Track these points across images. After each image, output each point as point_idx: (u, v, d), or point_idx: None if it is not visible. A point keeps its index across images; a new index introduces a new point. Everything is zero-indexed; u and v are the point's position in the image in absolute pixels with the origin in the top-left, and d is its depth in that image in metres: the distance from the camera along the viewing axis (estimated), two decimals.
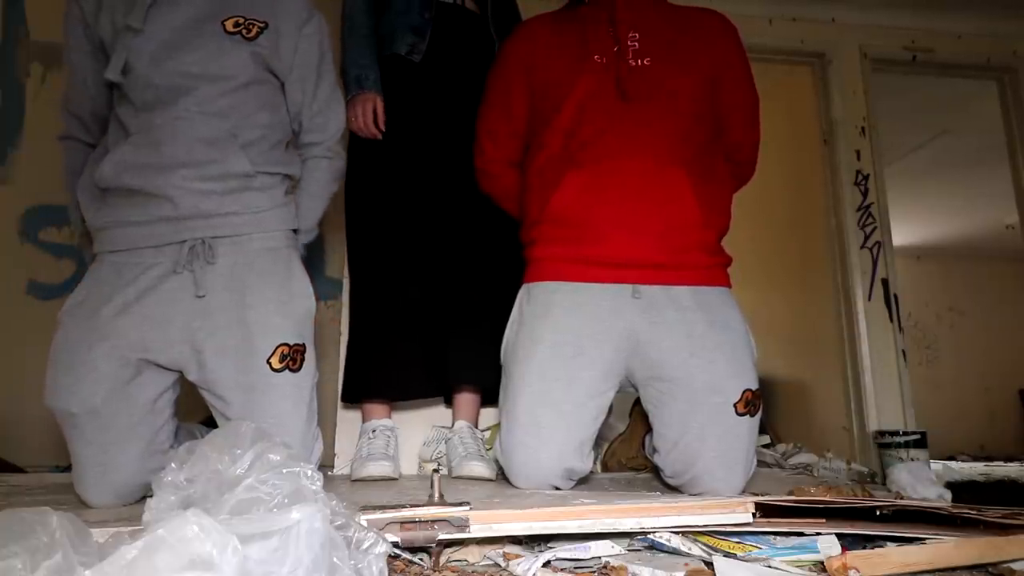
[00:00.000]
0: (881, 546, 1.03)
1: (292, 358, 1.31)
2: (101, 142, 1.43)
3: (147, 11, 1.33)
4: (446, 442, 1.77)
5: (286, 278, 1.36)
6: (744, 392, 1.38)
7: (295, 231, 1.45)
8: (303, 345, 1.34)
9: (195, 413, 1.55)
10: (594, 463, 1.63)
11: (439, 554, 1.00)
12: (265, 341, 1.29)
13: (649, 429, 1.71)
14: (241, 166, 1.33)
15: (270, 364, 1.28)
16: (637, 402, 1.85)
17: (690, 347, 1.40)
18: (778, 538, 1.06)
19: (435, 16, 1.81)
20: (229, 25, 1.37)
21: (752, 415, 1.39)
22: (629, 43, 1.52)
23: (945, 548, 0.97)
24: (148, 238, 1.30)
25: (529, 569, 0.92)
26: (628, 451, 1.82)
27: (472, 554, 1.03)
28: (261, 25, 1.39)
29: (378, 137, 1.75)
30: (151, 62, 1.31)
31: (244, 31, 1.37)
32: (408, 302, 1.75)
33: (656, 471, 1.54)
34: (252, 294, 1.30)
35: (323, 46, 1.50)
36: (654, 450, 1.48)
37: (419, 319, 1.76)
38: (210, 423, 1.52)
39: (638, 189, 1.44)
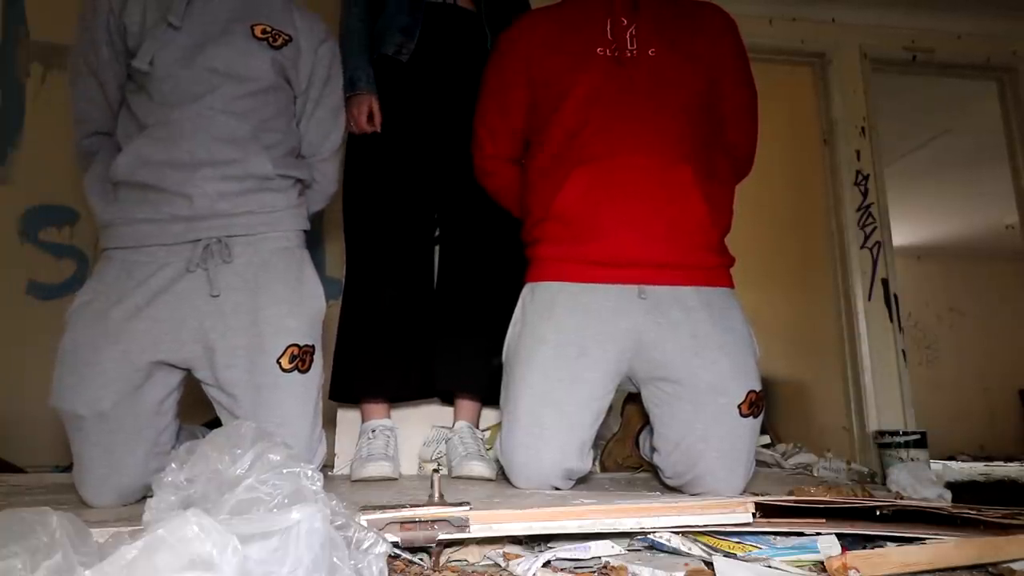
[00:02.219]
0: (881, 546, 1.03)
1: (302, 359, 1.31)
2: (112, 141, 1.42)
3: (185, 8, 1.34)
4: (446, 442, 1.77)
5: (298, 279, 1.37)
6: (749, 393, 1.38)
7: (306, 232, 1.46)
8: (312, 346, 1.34)
9: (196, 414, 1.54)
10: (593, 463, 1.63)
11: (439, 554, 1.00)
12: (276, 341, 1.29)
13: (642, 426, 1.71)
14: (263, 167, 1.34)
15: (280, 364, 1.29)
16: (628, 400, 1.85)
17: (694, 347, 1.40)
18: (778, 538, 1.06)
19: (426, 16, 1.81)
20: (257, 31, 1.40)
21: (756, 416, 1.39)
22: (632, 36, 1.52)
23: (945, 548, 0.97)
24: (160, 236, 1.29)
25: (529, 569, 0.92)
26: (623, 450, 1.82)
27: (472, 554, 1.03)
28: (286, 37, 1.44)
29: (377, 131, 1.75)
30: (180, 57, 1.32)
31: (271, 39, 1.41)
32: (405, 302, 1.75)
33: (653, 470, 1.54)
34: (265, 294, 1.31)
35: (331, 68, 1.55)
36: (653, 450, 1.48)
37: (416, 319, 1.76)
38: (213, 426, 1.53)
39: (644, 187, 1.43)
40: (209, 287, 1.28)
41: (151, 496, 0.81)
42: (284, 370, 1.29)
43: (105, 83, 1.39)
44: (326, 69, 1.53)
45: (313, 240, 1.56)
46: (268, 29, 1.41)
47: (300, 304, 1.34)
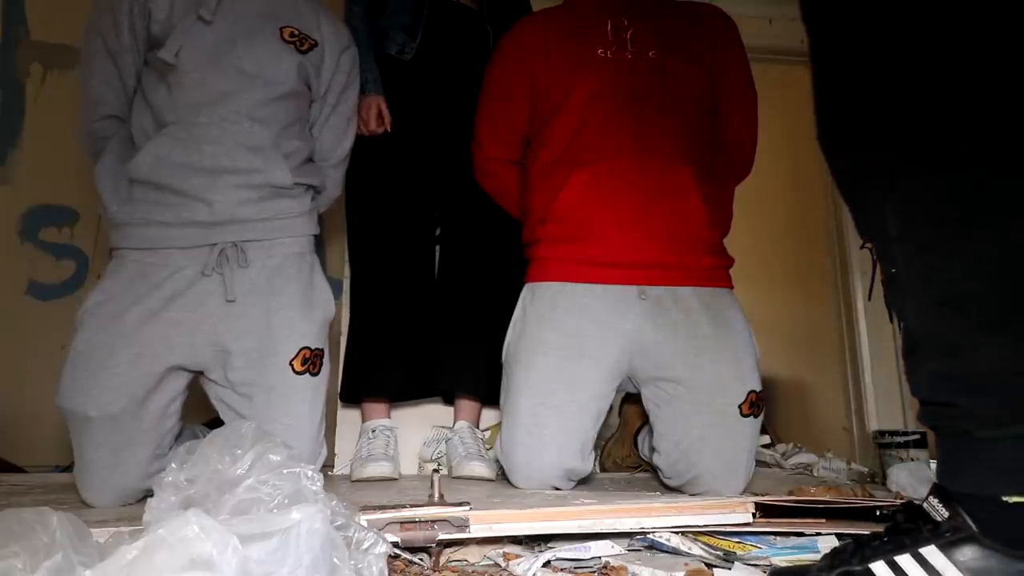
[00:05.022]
0: None
1: (313, 362, 1.33)
2: (124, 127, 1.40)
3: (217, 3, 1.33)
4: (446, 442, 1.77)
5: (309, 284, 1.38)
6: (749, 394, 1.38)
7: (315, 236, 1.47)
8: (322, 350, 1.36)
9: (196, 414, 1.54)
10: (593, 464, 1.63)
11: (439, 554, 1.00)
12: (289, 344, 1.30)
13: (640, 426, 1.71)
14: (283, 178, 1.34)
15: (293, 367, 1.30)
16: (626, 399, 1.85)
17: (695, 348, 1.40)
18: (778, 538, 1.06)
19: (429, 14, 1.82)
20: (286, 34, 1.40)
21: (756, 416, 1.39)
22: (632, 37, 1.52)
23: None
24: (177, 239, 1.29)
25: (529, 569, 0.92)
26: (622, 451, 1.82)
27: (472, 554, 1.03)
28: (312, 42, 1.44)
29: (388, 130, 1.76)
30: (208, 54, 1.31)
31: (298, 43, 1.41)
32: (406, 302, 1.75)
33: (652, 470, 1.54)
34: (278, 298, 1.32)
35: (350, 76, 1.56)
36: (652, 450, 1.48)
37: (417, 319, 1.76)
38: (213, 425, 1.53)
39: (644, 188, 1.44)
40: (225, 291, 1.28)
41: (151, 496, 0.81)
42: (296, 372, 1.30)
43: (123, 68, 1.37)
44: (346, 76, 1.54)
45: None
46: (296, 32, 1.41)
47: (311, 309, 1.36)
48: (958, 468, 0.78)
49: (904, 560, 0.76)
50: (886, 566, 0.77)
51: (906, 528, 0.79)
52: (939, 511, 0.77)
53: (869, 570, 0.77)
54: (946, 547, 0.75)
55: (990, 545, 0.73)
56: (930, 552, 0.75)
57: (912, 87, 0.75)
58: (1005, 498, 0.73)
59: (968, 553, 0.73)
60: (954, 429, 0.78)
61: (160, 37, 1.31)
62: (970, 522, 0.74)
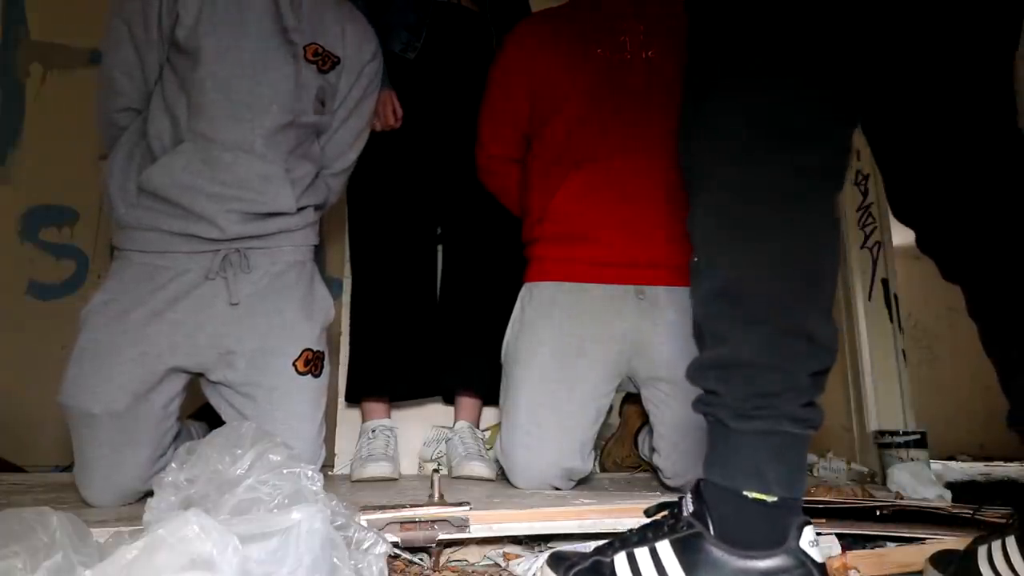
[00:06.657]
0: (881, 546, 1.03)
1: (315, 363, 1.35)
2: (137, 121, 1.40)
3: (254, 22, 1.33)
4: (446, 442, 1.77)
5: (310, 289, 1.40)
6: None
7: (316, 246, 1.48)
8: (323, 352, 1.38)
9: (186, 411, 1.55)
10: (593, 464, 1.63)
11: (439, 554, 1.00)
12: (292, 345, 1.32)
13: (640, 426, 1.71)
14: (287, 205, 1.35)
15: (296, 367, 1.31)
16: (626, 400, 1.85)
17: (692, 348, 1.39)
18: None
19: (432, 15, 1.82)
20: (310, 52, 1.39)
21: None
22: (631, 38, 1.52)
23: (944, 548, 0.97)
24: (182, 246, 1.30)
25: (529, 569, 0.92)
26: (622, 451, 1.82)
27: (472, 554, 1.03)
28: (335, 60, 1.43)
29: (396, 126, 1.76)
30: (232, 72, 1.31)
31: (320, 62, 1.40)
32: (407, 301, 1.75)
33: (652, 470, 1.54)
34: (280, 301, 1.34)
35: (367, 89, 1.55)
36: (652, 450, 1.48)
37: (418, 319, 1.76)
38: (200, 416, 1.53)
39: (641, 188, 1.44)
40: (228, 295, 1.29)
41: (151, 496, 0.81)
42: (299, 372, 1.32)
43: (147, 62, 1.36)
44: (362, 90, 1.53)
45: None
46: (320, 51, 1.41)
47: (312, 312, 1.38)
48: (713, 460, 0.78)
49: (641, 553, 0.75)
50: (625, 559, 0.76)
51: (659, 520, 0.78)
52: (689, 505, 0.76)
53: (612, 563, 0.77)
54: (677, 543, 0.74)
55: (716, 543, 0.71)
56: (663, 547, 0.74)
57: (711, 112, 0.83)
58: (746, 493, 0.72)
59: (695, 549, 0.72)
60: (715, 417, 0.79)
61: (184, 42, 1.31)
62: (708, 517, 0.73)
